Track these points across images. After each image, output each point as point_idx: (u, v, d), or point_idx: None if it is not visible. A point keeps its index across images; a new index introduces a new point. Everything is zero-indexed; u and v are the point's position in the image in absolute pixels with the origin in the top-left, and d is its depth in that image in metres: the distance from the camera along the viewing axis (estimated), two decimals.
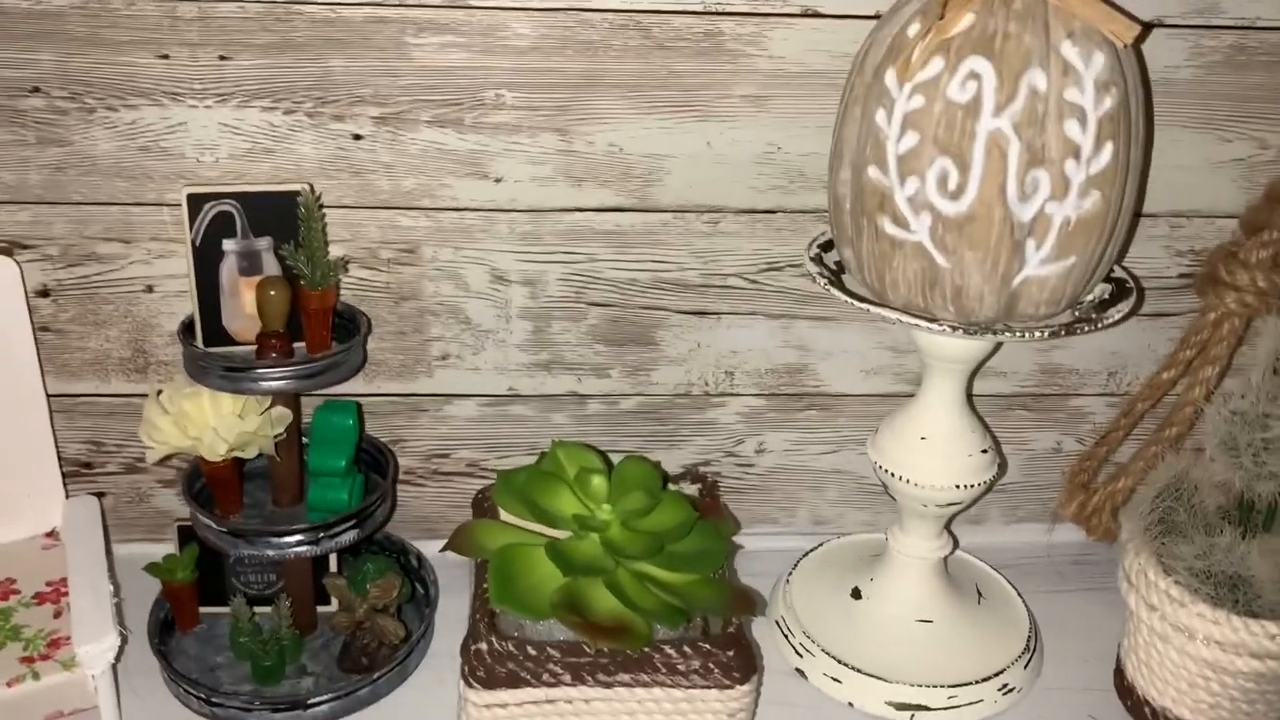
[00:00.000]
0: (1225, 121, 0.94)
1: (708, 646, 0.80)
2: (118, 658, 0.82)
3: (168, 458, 0.86)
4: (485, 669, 0.79)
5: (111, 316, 0.95)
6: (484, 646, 0.79)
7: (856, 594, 0.98)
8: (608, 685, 0.80)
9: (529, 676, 0.79)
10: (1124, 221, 0.78)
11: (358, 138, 0.90)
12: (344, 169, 0.90)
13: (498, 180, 0.92)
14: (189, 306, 0.90)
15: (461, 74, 0.88)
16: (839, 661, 0.92)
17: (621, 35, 0.88)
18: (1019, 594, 1.00)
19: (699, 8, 0.87)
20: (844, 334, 1.01)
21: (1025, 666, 0.93)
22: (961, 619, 0.96)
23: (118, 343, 0.96)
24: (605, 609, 0.81)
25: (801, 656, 0.94)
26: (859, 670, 0.91)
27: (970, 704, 0.90)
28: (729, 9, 0.87)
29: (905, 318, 0.78)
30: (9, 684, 0.81)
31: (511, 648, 0.79)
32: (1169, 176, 0.96)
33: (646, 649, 0.79)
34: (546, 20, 0.87)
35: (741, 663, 0.81)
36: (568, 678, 0.79)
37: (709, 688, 0.81)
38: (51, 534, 0.95)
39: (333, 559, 0.94)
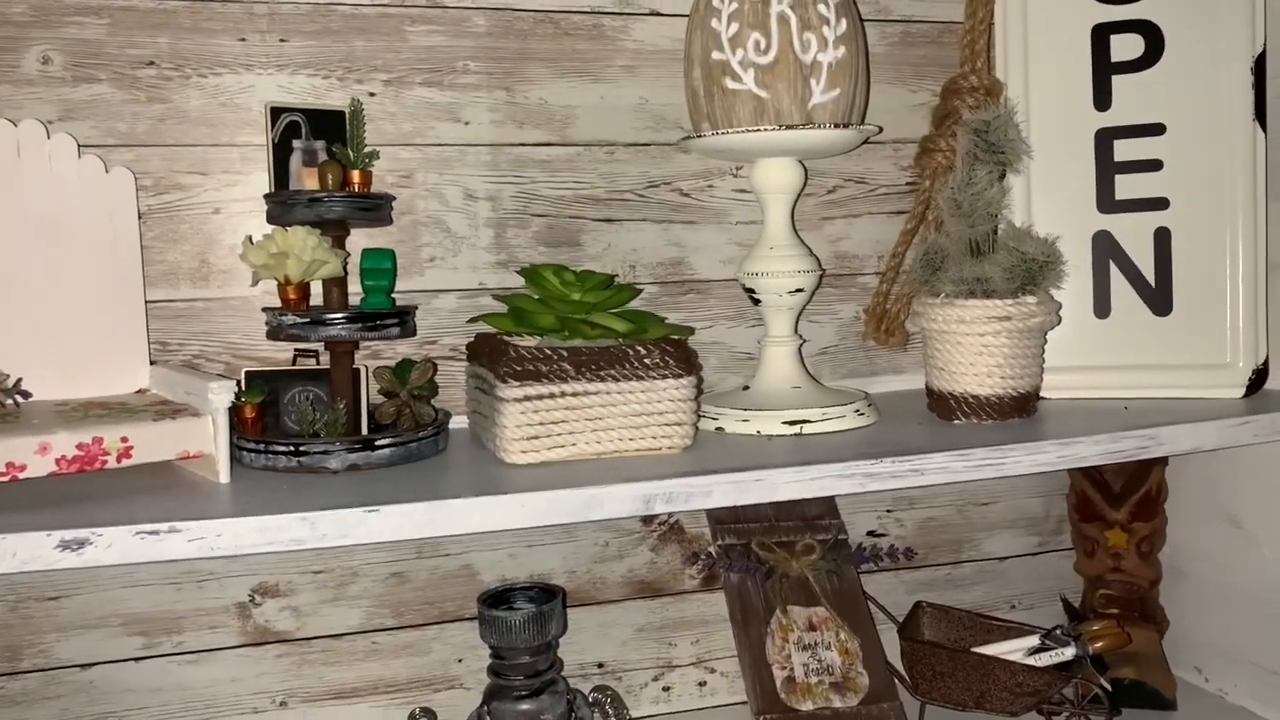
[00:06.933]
0: (912, 80, 1.53)
1: (664, 345, 1.18)
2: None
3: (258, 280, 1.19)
4: (520, 368, 1.13)
5: (186, 234, 1.29)
6: (513, 354, 1.14)
7: (745, 388, 1.37)
8: (600, 379, 1.15)
9: (546, 371, 1.13)
10: (862, 71, 1.31)
11: (372, 95, 1.33)
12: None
13: (466, 123, 1.36)
14: (248, 227, 1.27)
15: (441, 51, 1.35)
16: (744, 410, 1.29)
17: (542, 26, 1.38)
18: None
19: (588, 9, 1.39)
20: (705, 233, 1.47)
21: (869, 405, 1.34)
22: (819, 387, 1.36)
23: (188, 255, 1.29)
24: (594, 334, 1.18)
25: (716, 419, 1.31)
26: (760, 409, 1.29)
27: (838, 418, 1.29)
28: (604, 10, 1.40)
29: (749, 134, 1.26)
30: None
31: (534, 352, 1.14)
32: (888, 118, 1.52)
33: (624, 349, 1.16)
34: (495, 15, 1.36)
35: (686, 357, 1.18)
36: (571, 371, 1.14)
37: (666, 377, 1.17)
38: (140, 391, 1.22)
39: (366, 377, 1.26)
